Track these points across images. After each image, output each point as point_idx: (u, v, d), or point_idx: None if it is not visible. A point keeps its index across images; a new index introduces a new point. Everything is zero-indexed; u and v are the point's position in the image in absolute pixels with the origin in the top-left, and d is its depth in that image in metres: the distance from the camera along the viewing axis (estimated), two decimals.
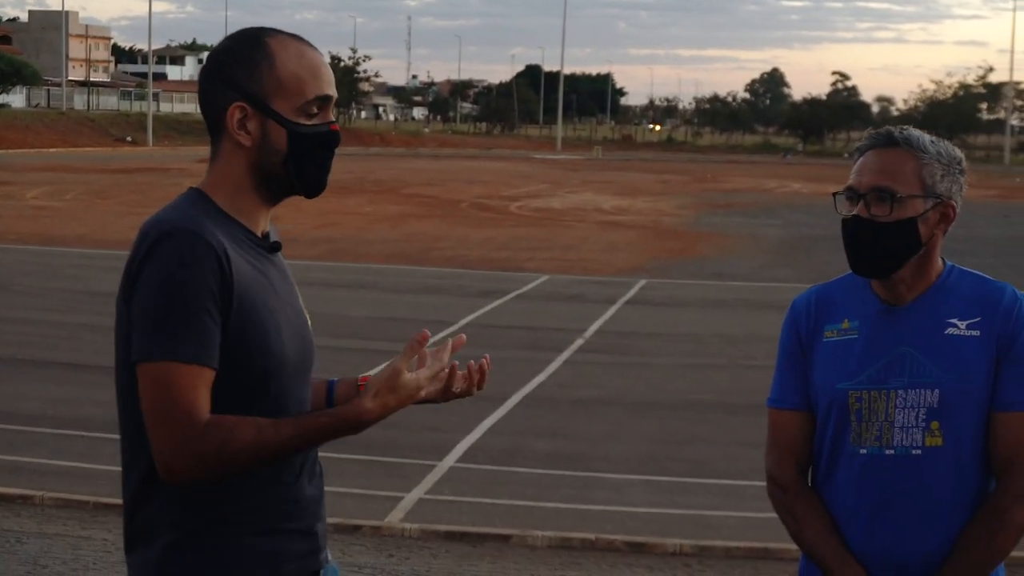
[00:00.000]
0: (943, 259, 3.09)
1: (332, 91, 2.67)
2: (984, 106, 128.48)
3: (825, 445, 3.08)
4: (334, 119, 2.69)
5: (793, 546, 8.40)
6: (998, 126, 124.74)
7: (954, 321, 2.98)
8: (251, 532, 2.58)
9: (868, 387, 2.99)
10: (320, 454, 2.78)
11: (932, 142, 3.03)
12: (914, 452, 2.95)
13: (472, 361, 2.84)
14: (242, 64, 2.59)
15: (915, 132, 3.04)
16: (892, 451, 2.97)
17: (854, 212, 3.00)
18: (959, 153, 3.07)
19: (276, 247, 2.69)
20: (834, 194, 3.08)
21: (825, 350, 3.08)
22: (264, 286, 2.58)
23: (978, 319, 2.97)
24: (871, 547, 2.99)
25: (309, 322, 2.74)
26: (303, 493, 2.66)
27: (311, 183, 2.65)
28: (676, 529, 8.50)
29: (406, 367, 2.56)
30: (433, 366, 2.62)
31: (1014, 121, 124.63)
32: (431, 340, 2.62)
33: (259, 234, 2.66)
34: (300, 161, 2.62)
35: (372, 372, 2.79)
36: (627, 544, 8.10)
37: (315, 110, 2.62)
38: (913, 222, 2.96)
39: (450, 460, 9.91)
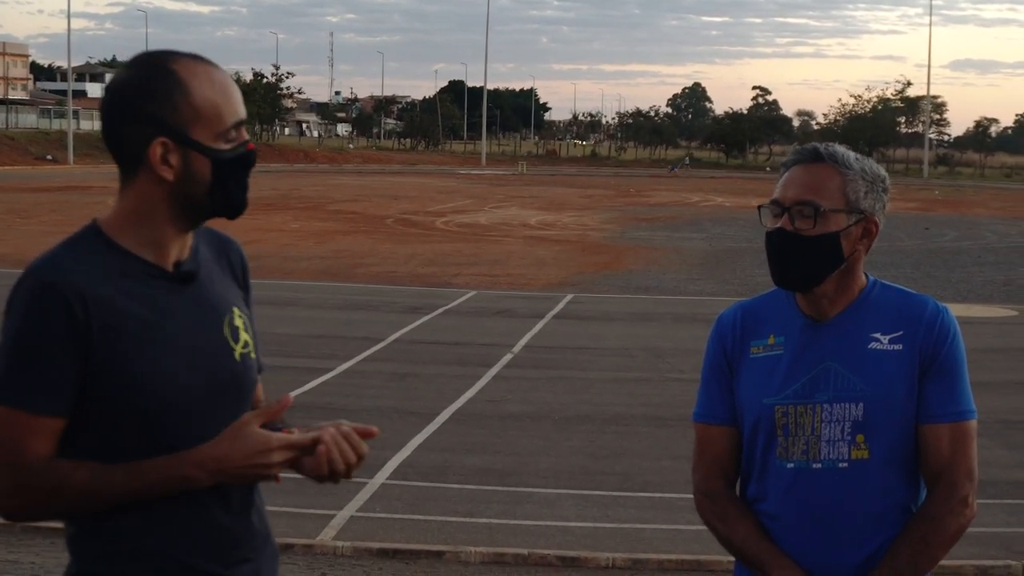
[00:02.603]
0: (866, 274, 3.12)
1: (244, 112, 2.62)
2: (903, 120, 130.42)
3: (755, 460, 3.10)
4: (248, 138, 2.63)
5: (726, 557, 8.44)
6: (917, 140, 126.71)
7: (877, 335, 3.01)
8: (156, 569, 2.53)
9: (794, 402, 3.01)
10: None
11: (857, 159, 3.05)
12: (840, 465, 2.97)
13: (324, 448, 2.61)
14: (155, 97, 2.51)
15: (840, 149, 3.07)
16: (819, 464, 2.99)
17: (778, 225, 3.02)
18: (883, 172, 3.10)
19: (186, 277, 2.60)
20: (759, 207, 3.11)
21: (751, 366, 3.10)
22: (151, 322, 2.50)
23: (900, 333, 3.00)
24: (802, 559, 3.00)
25: (239, 352, 2.64)
26: (218, 531, 2.59)
27: (235, 205, 2.60)
28: (609, 543, 8.52)
29: (257, 421, 2.52)
30: (296, 437, 2.54)
31: (932, 135, 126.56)
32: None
33: (168, 265, 2.58)
34: (225, 187, 2.57)
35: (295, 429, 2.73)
36: (560, 559, 8.11)
37: (233, 134, 2.58)
38: (836, 236, 2.99)
39: (381, 477, 9.87)
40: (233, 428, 2.50)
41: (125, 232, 2.56)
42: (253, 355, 2.70)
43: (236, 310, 2.68)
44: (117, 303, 2.48)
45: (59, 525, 2.65)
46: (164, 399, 2.49)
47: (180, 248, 2.61)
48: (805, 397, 3.01)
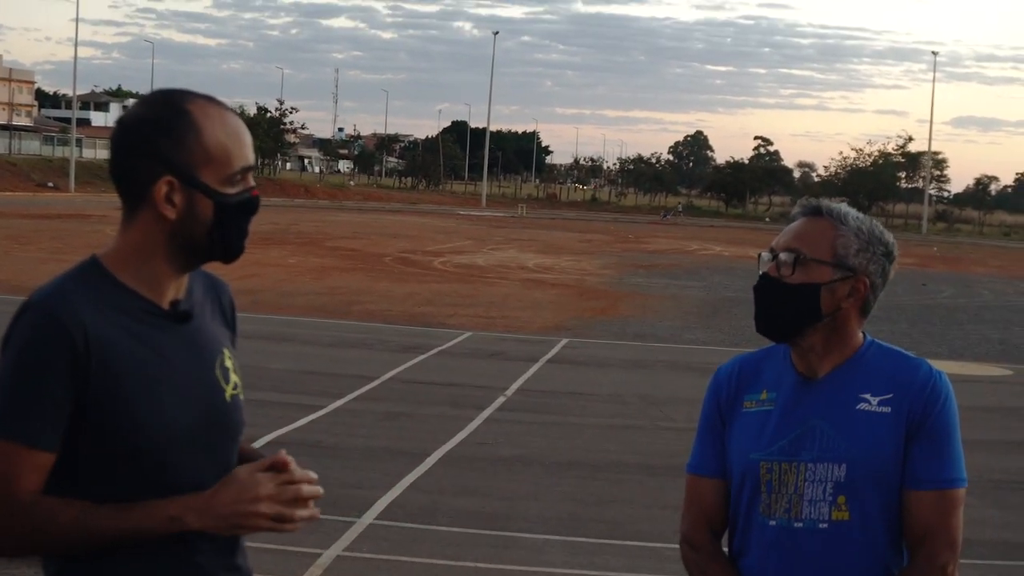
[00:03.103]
0: (865, 334, 3.11)
1: (252, 158, 2.64)
2: (903, 175, 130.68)
3: (739, 514, 3.11)
4: (254, 184, 2.65)
5: None
6: (917, 195, 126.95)
7: (866, 396, 3.00)
8: None
9: (779, 458, 3.01)
10: None
11: (856, 218, 3.06)
12: (821, 526, 2.97)
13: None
14: (167, 135, 2.53)
15: (843, 207, 3.08)
16: (800, 524, 2.98)
17: (764, 270, 3.06)
18: (888, 238, 3.10)
19: (183, 317, 2.62)
20: (759, 254, 3.12)
21: (743, 420, 3.11)
22: (147, 360, 2.51)
23: (890, 395, 2.99)
24: None
25: (229, 393, 2.66)
26: (198, 567, 2.58)
27: (233, 250, 2.62)
28: None
29: (251, 473, 2.52)
30: (278, 482, 2.54)
31: (932, 191, 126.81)
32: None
33: (165, 304, 2.59)
34: (225, 230, 2.58)
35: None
36: None
37: (239, 178, 2.59)
38: (816, 288, 2.99)
39: (369, 517, 9.82)
40: (224, 480, 2.51)
41: (125, 268, 2.56)
42: (242, 396, 2.71)
43: (226, 351, 2.71)
44: (116, 339, 2.48)
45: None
46: (158, 437, 2.50)
47: (177, 287, 2.62)
48: (790, 455, 3.00)
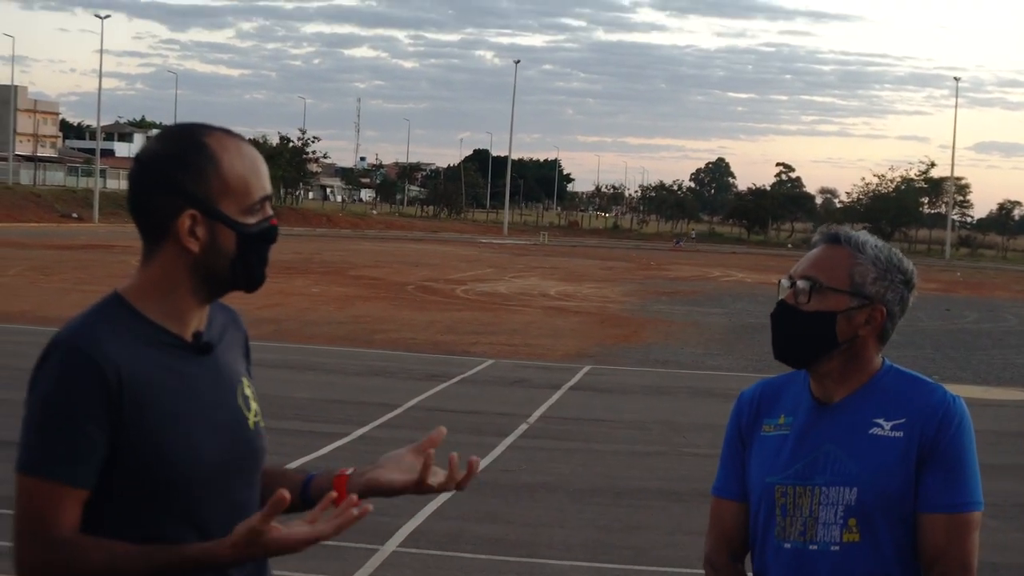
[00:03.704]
0: (885, 359, 3.13)
1: (270, 187, 2.67)
2: (926, 200, 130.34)
3: (758, 537, 3.14)
4: (272, 213, 2.68)
5: None
6: (940, 220, 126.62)
7: (879, 421, 3.01)
8: None
9: (794, 482, 3.05)
10: None
11: (874, 246, 3.08)
12: (833, 548, 2.99)
13: (455, 456, 2.82)
14: (186, 169, 2.55)
15: (862, 235, 3.10)
16: (815, 546, 3.01)
17: (781, 297, 3.09)
18: (908, 266, 3.11)
19: (206, 348, 2.64)
20: (779, 280, 3.15)
21: (761, 444, 3.15)
22: (177, 393, 2.54)
23: (903, 420, 3.00)
24: None
25: (252, 421, 2.68)
26: None
27: (255, 279, 2.65)
28: None
29: (266, 525, 2.43)
30: (323, 521, 2.51)
31: (955, 216, 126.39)
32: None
33: (188, 336, 2.62)
34: (247, 260, 2.61)
35: (351, 470, 2.77)
36: None
37: (258, 208, 2.62)
38: (831, 317, 3.02)
39: (392, 544, 9.84)
40: (248, 535, 2.43)
41: (148, 302, 2.59)
42: (263, 423, 2.74)
43: (245, 380, 2.74)
44: (146, 373, 2.51)
45: None
46: (190, 470, 2.53)
47: (199, 319, 2.66)
48: (804, 479, 3.04)
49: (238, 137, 2.64)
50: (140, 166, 2.60)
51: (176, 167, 2.55)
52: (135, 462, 2.49)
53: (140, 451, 2.49)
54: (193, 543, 2.49)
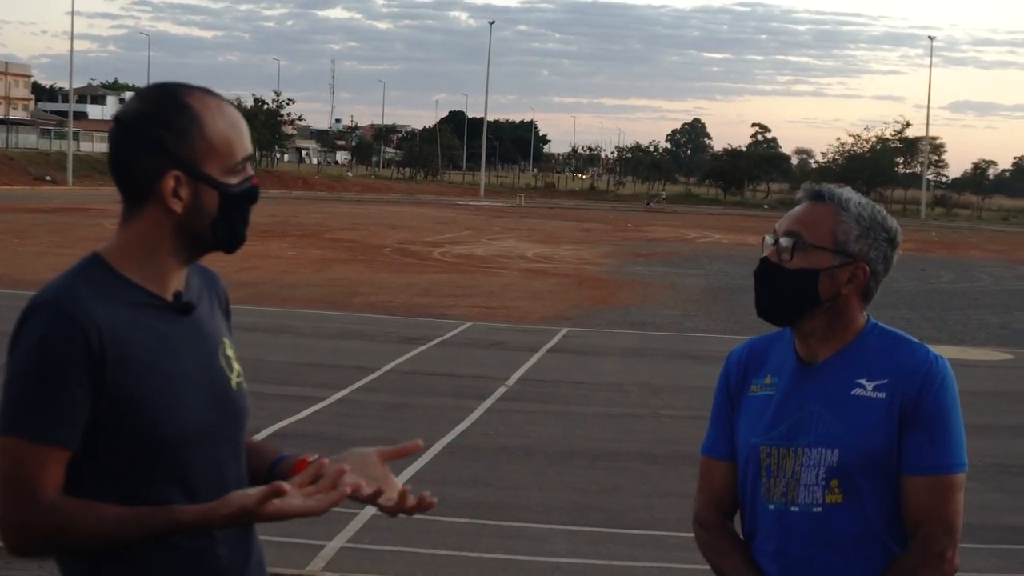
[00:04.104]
0: (868, 318, 3.11)
1: (251, 146, 2.67)
2: (901, 160, 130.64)
3: (746, 497, 3.14)
4: (253, 173, 2.66)
5: None
6: (915, 180, 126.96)
7: (862, 381, 2.99)
8: None
9: (778, 443, 3.03)
10: None
11: (858, 203, 3.05)
12: (815, 510, 2.98)
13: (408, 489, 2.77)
14: (169, 129, 2.53)
15: (846, 192, 3.08)
16: (796, 508, 3.00)
17: (765, 255, 3.08)
18: (892, 224, 3.09)
19: (186, 308, 2.63)
20: (762, 238, 3.13)
21: (748, 404, 3.14)
22: (159, 353, 2.53)
23: (885, 380, 2.98)
24: None
25: (235, 382, 2.67)
26: (218, 566, 2.60)
27: (236, 240, 2.63)
28: None
29: (257, 503, 2.45)
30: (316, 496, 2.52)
31: (930, 176, 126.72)
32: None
33: (168, 296, 2.60)
34: (229, 220, 2.60)
35: (312, 457, 2.75)
36: None
37: (240, 168, 2.60)
38: (814, 274, 3.00)
39: (371, 508, 9.81)
40: (242, 511, 2.45)
41: (129, 263, 2.57)
42: (245, 385, 2.72)
43: (227, 340, 2.72)
44: (128, 334, 2.49)
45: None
46: (175, 430, 2.51)
47: (179, 280, 2.64)
48: (788, 440, 3.02)
49: (219, 97, 2.62)
50: (121, 126, 2.57)
51: (159, 127, 2.53)
52: (119, 422, 2.47)
53: (124, 411, 2.47)
54: (185, 507, 2.48)
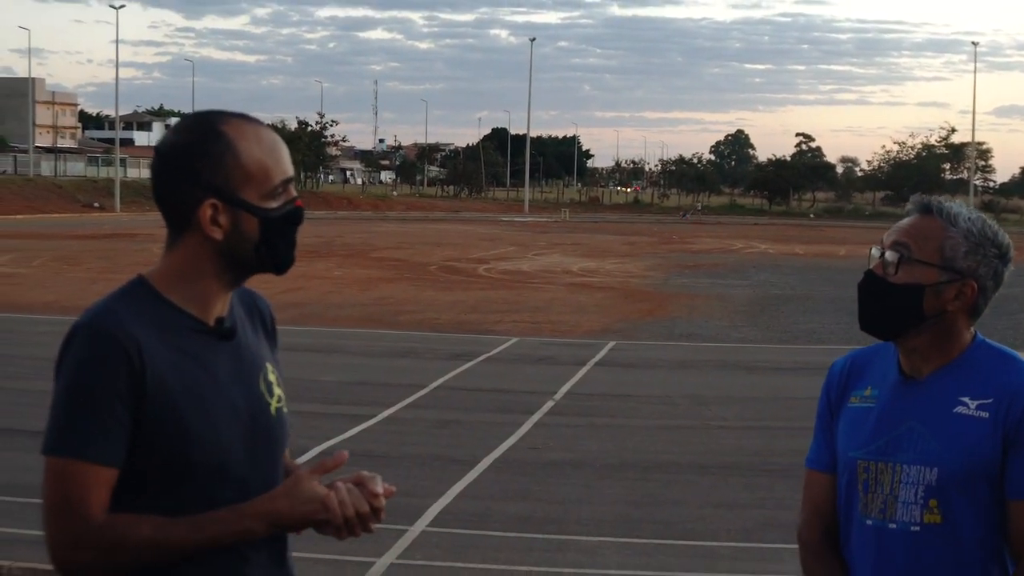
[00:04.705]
0: (976, 333, 3.03)
1: (291, 170, 2.66)
2: (947, 166, 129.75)
3: (841, 511, 3.08)
4: (296, 195, 2.67)
5: None
6: (962, 186, 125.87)
7: (965, 400, 2.91)
8: None
9: (876, 458, 2.96)
10: None
11: (968, 219, 2.95)
12: (913, 528, 2.91)
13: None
14: (205, 159, 2.56)
15: (955, 206, 2.99)
16: (895, 525, 2.93)
17: (870, 267, 2.99)
18: (1003, 239, 2.99)
19: (228, 334, 2.65)
20: (870, 249, 3.05)
21: (847, 416, 3.07)
22: (198, 376, 2.55)
23: (990, 400, 2.89)
24: None
25: (274, 407, 2.68)
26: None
27: (283, 262, 2.65)
28: None
29: (311, 478, 2.57)
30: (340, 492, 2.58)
31: (977, 181, 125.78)
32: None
33: (211, 321, 2.63)
34: (272, 244, 2.61)
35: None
36: None
37: (280, 191, 2.62)
38: (920, 290, 2.92)
39: (421, 524, 9.85)
40: (288, 484, 2.56)
41: (172, 287, 2.60)
42: (286, 410, 2.74)
43: (269, 365, 2.73)
44: (169, 356, 2.52)
45: None
46: (209, 453, 2.53)
47: (223, 305, 2.66)
48: (887, 455, 2.95)
49: (256, 122, 2.64)
50: (160, 158, 2.61)
51: (194, 157, 2.56)
52: (157, 442, 2.49)
53: (162, 431, 2.49)
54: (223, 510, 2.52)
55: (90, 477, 2.45)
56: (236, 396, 2.61)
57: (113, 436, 2.46)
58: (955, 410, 2.91)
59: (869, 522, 2.97)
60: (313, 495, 2.54)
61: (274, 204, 2.60)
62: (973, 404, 2.90)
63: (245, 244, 2.59)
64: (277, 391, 2.71)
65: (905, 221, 3.00)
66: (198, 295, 2.60)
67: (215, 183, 2.55)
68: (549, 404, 15.59)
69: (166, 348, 2.52)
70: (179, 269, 2.60)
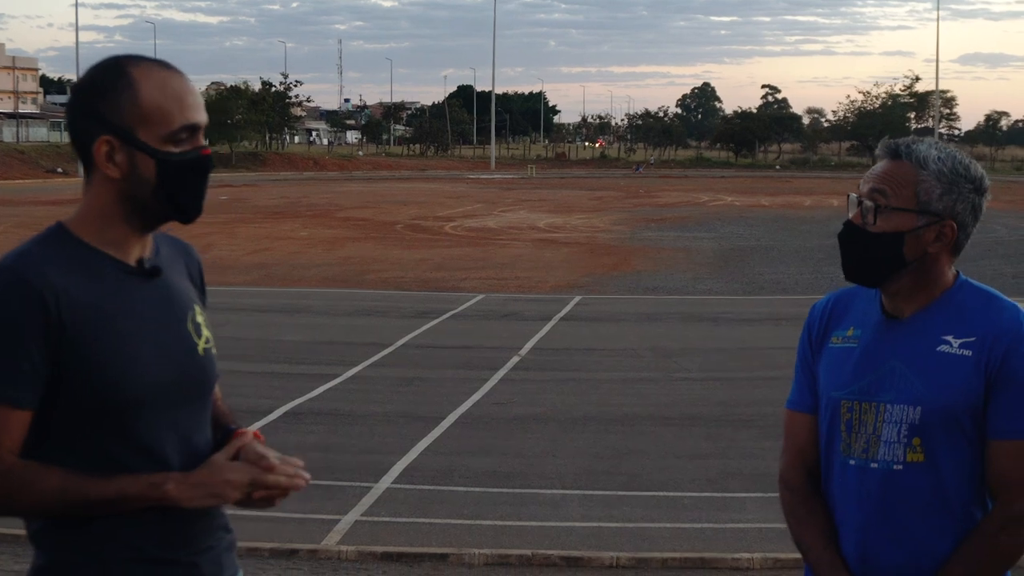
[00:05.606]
0: (958, 273, 3.03)
1: (199, 118, 2.64)
2: (912, 115, 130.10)
3: (823, 451, 3.08)
4: (205, 144, 2.66)
5: (729, 555, 8.47)
6: (926, 134, 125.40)
7: (948, 339, 2.91)
8: (121, 559, 2.56)
9: (859, 398, 2.97)
10: None
11: (938, 159, 2.93)
12: (895, 467, 2.92)
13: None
14: (105, 96, 2.57)
15: (923, 147, 2.96)
16: (876, 464, 2.93)
17: (849, 217, 2.99)
18: (976, 171, 2.97)
19: (151, 272, 2.66)
20: (848, 195, 3.04)
21: (829, 356, 3.07)
22: (121, 315, 2.56)
23: (972, 339, 2.89)
24: (856, 557, 2.99)
25: (202, 347, 2.70)
26: (181, 522, 2.62)
27: (185, 209, 2.64)
28: (612, 542, 8.55)
29: (225, 457, 2.61)
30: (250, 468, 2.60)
31: (942, 129, 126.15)
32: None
33: (131, 262, 2.64)
34: (171, 189, 2.60)
35: (252, 427, 2.77)
36: (564, 559, 8.14)
37: (183, 137, 2.61)
38: (899, 236, 2.92)
39: (387, 481, 9.90)
40: (207, 466, 2.59)
41: (88, 230, 2.61)
42: (214, 350, 2.74)
43: (197, 307, 2.74)
44: (86, 298, 2.52)
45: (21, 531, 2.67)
46: (135, 392, 2.54)
47: (142, 247, 2.66)
48: (869, 395, 2.96)
49: (169, 68, 2.64)
50: (70, 94, 2.64)
51: (95, 94, 2.58)
52: (79, 381, 2.50)
53: (83, 370, 2.50)
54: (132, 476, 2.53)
55: (3, 419, 2.46)
56: (163, 334, 2.61)
57: (27, 379, 2.46)
58: (938, 349, 2.91)
59: (852, 462, 2.97)
60: (220, 471, 2.57)
61: (174, 149, 2.59)
62: (956, 343, 2.90)
63: (144, 186, 2.58)
64: (205, 332, 2.72)
65: (878, 167, 2.98)
66: (113, 237, 2.61)
67: (112, 120, 2.56)
68: (514, 360, 15.63)
69: (85, 289, 2.53)
70: (92, 211, 2.62)
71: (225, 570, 2.72)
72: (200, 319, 2.72)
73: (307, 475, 2.64)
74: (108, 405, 2.52)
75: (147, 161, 2.58)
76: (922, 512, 2.91)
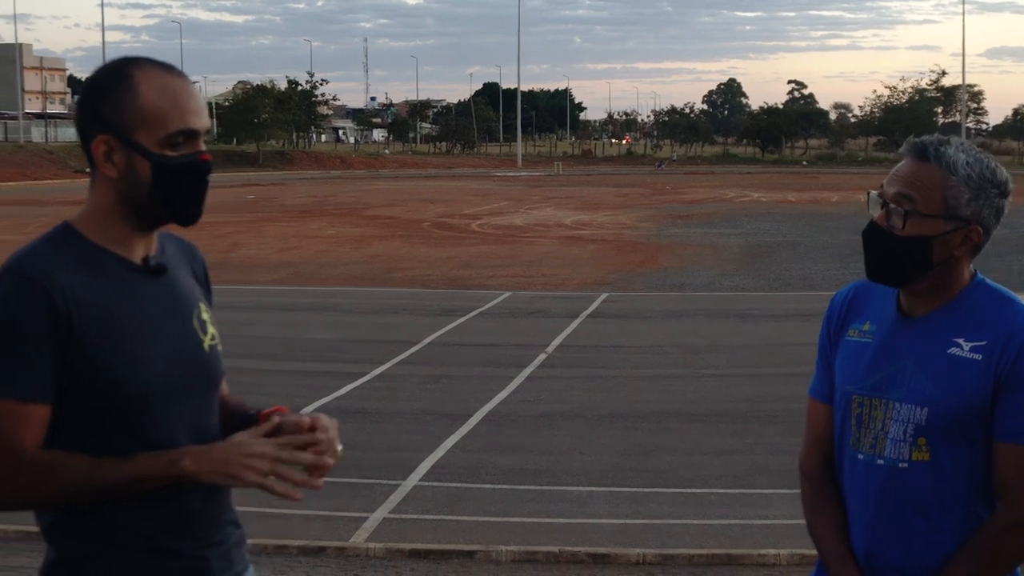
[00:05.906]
0: (976, 272, 3.03)
1: (198, 123, 2.67)
2: (939, 110, 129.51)
3: (836, 443, 3.10)
4: (204, 149, 2.69)
5: (755, 551, 8.48)
6: (954, 129, 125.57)
7: (959, 341, 2.92)
8: (133, 548, 2.60)
9: (869, 394, 2.99)
10: None
11: (966, 163, 2.91)
12: (901, 465, 2.93)
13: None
14: (107, 96, 2.62)
15: (951, 149, 2.95)
16: (882, 461, 2.95)
17: (874, 218, 2.98)
18: (1001, 175, 2.97)
19: (157, 270, 2.70)
20: (868, 192, 3.03)
21: (845, 348, 3.09)
22: (127, 312, 2.60)
23: (984, 342, 2.89)
24: (863, 553, 3.01)
25: (208, 344, 2.73)
26: (191, 513, 2.66)
27: (181, 213, 2.68)
28: (639, 539, 8.57)
29: (249, 436, 2.62)
30: (279, 443, 2.63)
31: (969, 124, 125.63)
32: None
33: (137, 260, 2.68)
34: (167, 192, 2.64)
35: (276, 405, 2.80)
36: (590, 555, 8.16)
37: (180, 141, 2.64)
38: (927, 241, 2.91)
39: (414, 479, 9.94)
40: (228, 442, 2.61)
41: (94, 228, 2.66)
42: (220, 347, 2.78)
43: (203, 305, 2.78)
44: (93, 295, 2.57)
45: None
46: (139, 387, 2.58)
47: (146, 245, 2.71)
48: (880, 391, 2.97)
49: (172, 71, 2.68)
50: (79, 94, 2.70)
51: (98, 94, 2.63)
52: (87, 378, 2.54)
53: (91, 367, 2.54)
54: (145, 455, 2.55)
55: (18, 415, 2.50)
56: (169, 331, 2.65)
57: (40, 374, 2.51)
58: (949, 351, 2.92)
59: (861, 456, 3.00)
60: (246, 446, 2.59)
61: (171, 153, 2.63)
62: (967, 346, 2.90)
63: (140, 187, 2.62)
64: (211, 329, 2.76)
65: (904, 168, 2.95)
66: (117, 236, 2.65)
67: (111, 121, 2.60)
68: (541, 357, 15.66)
69: (91, 287, 2.57)
70: (96, 210, 2.66)
71: (235, 565, 2.75)
72: (205, 316, 2.76)
73: (330, 460, 2.70)
74: (116, 402, 2.56)
75: (143, 163, 2.62)
76: (926, 511, 2.93)
